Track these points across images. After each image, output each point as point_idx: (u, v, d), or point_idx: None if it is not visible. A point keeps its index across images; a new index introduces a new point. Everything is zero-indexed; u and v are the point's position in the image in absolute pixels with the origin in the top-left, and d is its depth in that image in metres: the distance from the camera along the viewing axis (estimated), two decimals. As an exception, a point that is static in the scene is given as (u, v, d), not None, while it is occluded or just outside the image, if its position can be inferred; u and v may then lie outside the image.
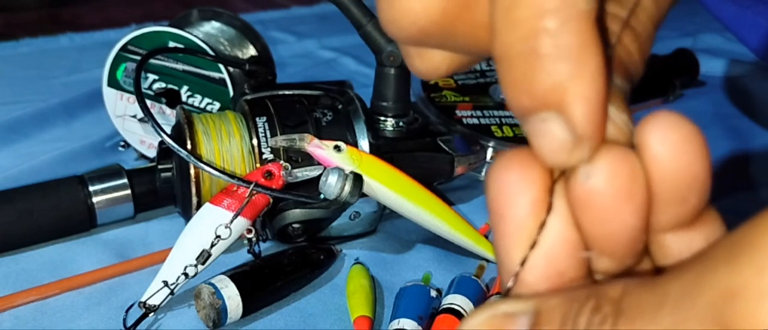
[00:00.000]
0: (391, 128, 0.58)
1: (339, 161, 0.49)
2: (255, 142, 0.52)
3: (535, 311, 0.17)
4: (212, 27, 0.71)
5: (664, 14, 0.20)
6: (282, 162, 0.51)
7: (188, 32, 0.64)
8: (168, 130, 0.53)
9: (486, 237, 0.54)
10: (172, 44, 0.64)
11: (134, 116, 0.65)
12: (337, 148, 0.50)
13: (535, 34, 0.16)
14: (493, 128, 0.68)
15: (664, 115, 0.16)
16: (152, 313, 0.45)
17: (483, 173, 0.66)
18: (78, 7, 1.38)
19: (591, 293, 0.16)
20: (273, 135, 0.52)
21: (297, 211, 0.51)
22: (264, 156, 0.52)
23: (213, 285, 0.45)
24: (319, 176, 0.49)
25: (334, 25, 1.09)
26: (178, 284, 0.46)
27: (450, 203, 0.59)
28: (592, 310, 0.16)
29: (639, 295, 0.15)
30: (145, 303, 0.45)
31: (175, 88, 0.64)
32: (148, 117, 0.49)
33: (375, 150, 0.53)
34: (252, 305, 0.46)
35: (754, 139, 0.77)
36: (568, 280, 0.18)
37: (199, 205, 0.51)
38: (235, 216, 0.47)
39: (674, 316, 0.14)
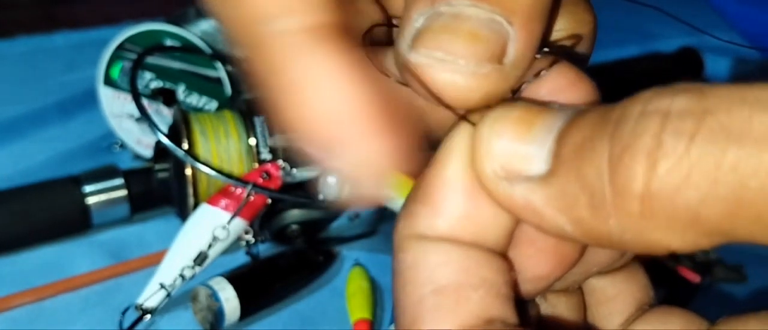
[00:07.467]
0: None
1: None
2: (253, 141, 0.52)
3: (571, 116, 0.16)
4: (210, 25, 0.70)
5: None
6: (280, 162, 0.50)
7: (185, 30, 0.63)
8: (165, 129, 0.52)
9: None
10: (169, 42, 0.63)
11: (131, 115, 0.64)
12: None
13: None
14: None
15: None
16: (149, 316, 0.45)
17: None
18: (74, 5, 1.37)
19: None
20: (271, 134, 0.52)
21: (296, 212, 0.50)
22: (262, 156, 0.51)
23: (210, 287, 0.45)
24: (318, 176, 0.48)
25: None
26: (174, 286, 0.45)
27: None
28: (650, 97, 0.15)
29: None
30: (141, 305, 0.45)
31: (172, 86, 0.64)
32: (145, 116, 0.49)
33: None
34: (250, 308, 0.46)
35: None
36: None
37: (196, 206, 0.50)
38: (233, 217, 0.47)
39: None
